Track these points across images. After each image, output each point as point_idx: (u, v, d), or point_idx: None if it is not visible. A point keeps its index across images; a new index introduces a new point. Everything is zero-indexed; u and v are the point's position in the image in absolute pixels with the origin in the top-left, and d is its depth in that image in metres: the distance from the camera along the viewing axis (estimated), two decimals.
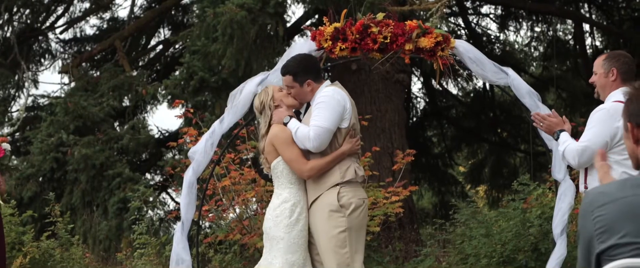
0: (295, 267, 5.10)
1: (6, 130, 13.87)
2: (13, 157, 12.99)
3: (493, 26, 19.91)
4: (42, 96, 14.39)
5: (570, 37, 17.99)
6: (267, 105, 5.31)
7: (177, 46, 14.94)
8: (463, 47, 5.79)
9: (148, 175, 14.10)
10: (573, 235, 7.38)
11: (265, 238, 5.26)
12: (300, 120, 5.28)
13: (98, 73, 13.91)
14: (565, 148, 5.03)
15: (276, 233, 5.13)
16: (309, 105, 5.40)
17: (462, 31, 17.18)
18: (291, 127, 5.16)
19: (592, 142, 4.89)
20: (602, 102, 5.09)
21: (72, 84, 13.70)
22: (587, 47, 17.03)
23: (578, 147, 4.95)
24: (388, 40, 5.62)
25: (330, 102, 5.11)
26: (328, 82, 5.34)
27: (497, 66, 5.85)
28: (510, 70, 5.86)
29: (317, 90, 5.23)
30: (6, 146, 6.76)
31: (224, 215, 8.84)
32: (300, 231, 5.12)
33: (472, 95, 18.35)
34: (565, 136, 5.13)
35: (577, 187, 5.76)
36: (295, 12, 20.43)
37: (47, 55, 15.26)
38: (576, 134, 5.35)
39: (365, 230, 5.40)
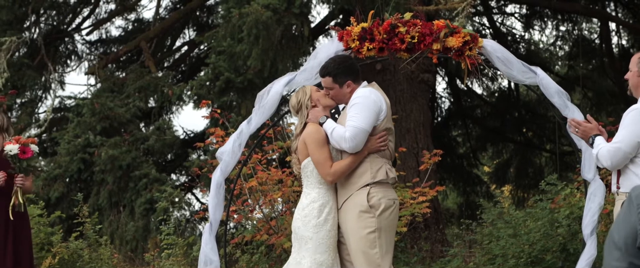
0: (324, 267, 5.09)
1: (33, 131, 13.96)
2: (40, 158, 13.07)
3: (518, 25, 19.81)
4: (69, 97, 14.44)
5: (596, 36, 17.86)
6: (304, 104, 5.30)
7: (202, 47, 14.97)
8: (491, 47, 5.75)
9: (173, 176, 14.15)
10: (603, 236, 7.31)
11: (293, 237, 5.25)
12: (335, 121, 5.25)
13: (124, 74, 13.98)
14: (598, 151, 5.00)
15: (304, 233, 5.12)
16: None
17: (487, 30, 17.09)
18: (327, 127, 5.15)
19: (625, 143, 4.86)
20: (635, 100, 5.06)
21: (99, 85, 13.76)
22: (613, 46, 16.90)
23: (610, 148, 4.92)
24: (416, 40, 5.60)
25: (366, 102, 5.09)
26: (365, 82, 5.32)
27: (525, 65, 5.81)
28: (538, 70, 5.81)
29: (355, 91, 5.21)
30: (34, 147, 6.78)
31: (251, 215, 8.85)
32: (329, 231, 5.11)
33: (497, 94, 18.25)
34: (599, 140, 5.10)
35: (607, 187, 5.72)
36: (320, 12, 20.54)
37: (73, 57, 15.34)
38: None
39: (395, 231, 5.38)
